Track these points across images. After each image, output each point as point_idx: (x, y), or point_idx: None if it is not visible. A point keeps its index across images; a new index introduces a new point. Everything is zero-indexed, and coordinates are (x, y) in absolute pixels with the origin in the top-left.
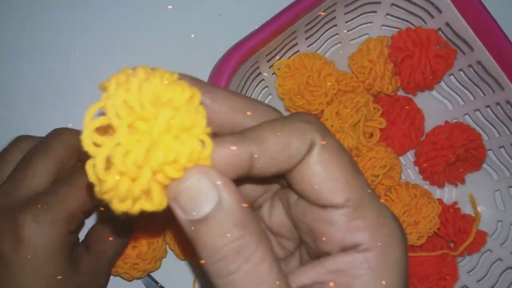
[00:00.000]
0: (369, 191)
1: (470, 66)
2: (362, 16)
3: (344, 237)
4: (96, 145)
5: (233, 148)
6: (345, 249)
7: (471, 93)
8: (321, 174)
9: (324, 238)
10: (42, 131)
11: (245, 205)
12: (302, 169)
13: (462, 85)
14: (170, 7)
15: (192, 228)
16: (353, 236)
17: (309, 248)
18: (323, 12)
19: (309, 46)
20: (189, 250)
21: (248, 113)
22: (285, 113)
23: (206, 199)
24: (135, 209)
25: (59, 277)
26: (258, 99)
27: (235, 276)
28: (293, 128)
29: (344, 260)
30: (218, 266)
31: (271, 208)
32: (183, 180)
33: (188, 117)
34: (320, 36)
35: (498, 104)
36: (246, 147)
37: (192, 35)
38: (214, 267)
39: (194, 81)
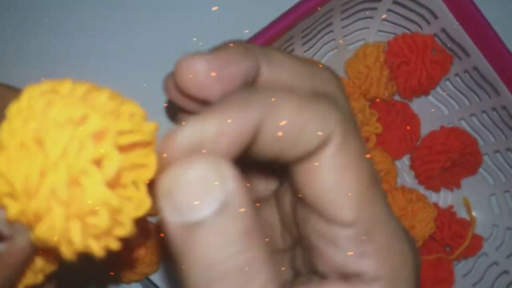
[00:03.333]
0: (386, 210)
1: (466, 71)
2: (359, 21)
3: (347, 262)
4: None
5: (236, 115)
6: (346, 276)
7: (467, 98)
8: (332, 181)
9: (323, 258)
10: None
11: (253, 208)
12: (310, 168)
13: (458, 90)
14: (169, 13)
15: (184, 234)
16: (358, 263)
17: (305, 257)
18: (320, 17)
19: (305, 51)
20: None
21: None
22: None
23: (210, 197)
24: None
25: None
26: None
27: None
28: (314, 107)
29: None
30: (212, 285)
31: (282, 195)
32: (185, 169)
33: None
34: (317, 42)
35: (494, 109)
36: (254, 111)
37: (194, 42)
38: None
39: (244, 46)
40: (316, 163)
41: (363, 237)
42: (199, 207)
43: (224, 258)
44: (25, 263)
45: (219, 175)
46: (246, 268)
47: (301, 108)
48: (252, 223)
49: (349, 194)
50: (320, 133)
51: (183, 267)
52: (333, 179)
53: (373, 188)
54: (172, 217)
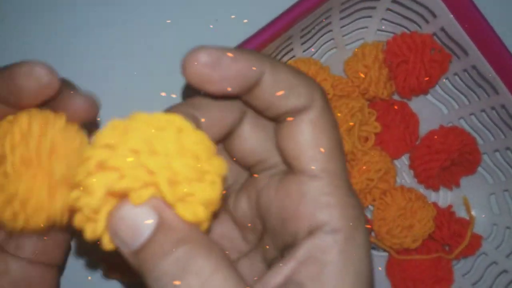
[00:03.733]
0: (345, 171)
1: (465, 70)
2: (358, 21)
3: (314, 212)
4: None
5: (248, 62)
6: (312, 230)
7: (466, 97)
8: (308, 137)
9: (294, 214)
10: None
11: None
12: (294, 125)
13: (457, 90)
14: (167, 12)
15: (135, 258)
16: (322, 212)
17: (275, 239)
18: (319, 17)
19: (304, 51)
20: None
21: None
22: None
23: (145, 224)
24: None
25: None
26: None
27: None
28: (301, 78)
29: (313, 244)
30: None
31: (236, 200)
32: (118, 209)
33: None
34: (316, 41)
35: (493, 108)
36: (260, 66)
37: (192, 41)
38: None
39: (180, 106)
40: (300, 121)
41: (328, 189)
42: (138, 236)
43: (168, 264)
44: None
45: (146, 207)
46: (189, 267)
47: (294, 75)
48: (189, 229)
49: (320, 150)
50: (303, 98)
51: (147, 279)
52: (310, 135)
53: (338, 152)
54: (123, 250)
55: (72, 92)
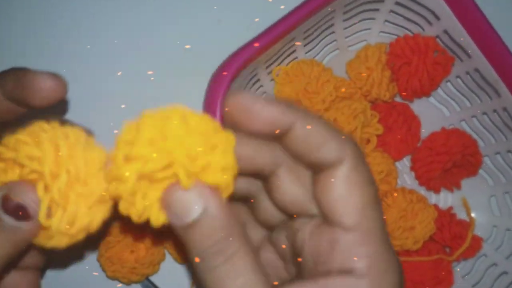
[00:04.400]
0: (381, 225)
1: (467, 73)
2: (361, 22)
3: (345, 261)
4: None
5: (280, 109)
6: (342, 272)
7: (468, 99)
8: (342, 193)
9: (325, 259)
10: None
11: (229, 212)
12: (328, 179)
13: (459, 92)
14: (169, 13)
15: (183, 231)
16: (353, 262)
17: (310, 276)
18: (322, 19)
19: (307, 52)
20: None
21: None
22: None
23: (194, 207)
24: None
25: None
26: None
27: (218, 270)
28: (334, 132)
29: (338, 281)
30: (205, 262)
31: (278, 236)
32: (174, 191)
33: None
34: (319, 43)
35: (495, 111)
36: (292, 115)
37: (188, 46)
38: (202, 263)
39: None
40: (333, 178)
41: (360, 241)
42: (187, 214)
43: (208, 245)
44: (25, 250)
45: (197, 192)
46: (223, 250)
47: (327, 129)
48: (228, 221)
49: (354, 205)
50: (334, 152)
51: (189, 251)
52: (343, 191)
53: (373, 206)
54: (173, 221)
55: (38, 73)
